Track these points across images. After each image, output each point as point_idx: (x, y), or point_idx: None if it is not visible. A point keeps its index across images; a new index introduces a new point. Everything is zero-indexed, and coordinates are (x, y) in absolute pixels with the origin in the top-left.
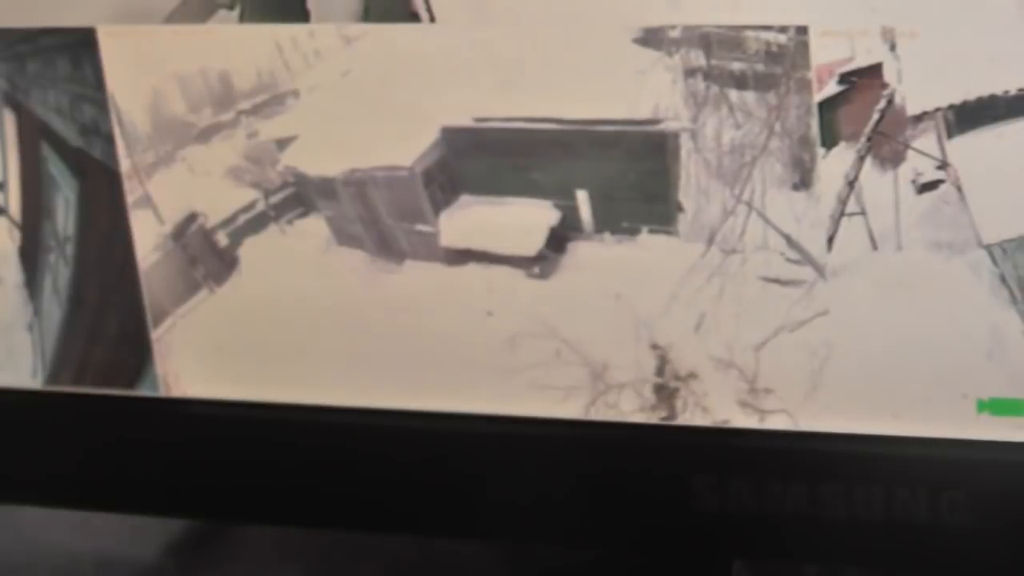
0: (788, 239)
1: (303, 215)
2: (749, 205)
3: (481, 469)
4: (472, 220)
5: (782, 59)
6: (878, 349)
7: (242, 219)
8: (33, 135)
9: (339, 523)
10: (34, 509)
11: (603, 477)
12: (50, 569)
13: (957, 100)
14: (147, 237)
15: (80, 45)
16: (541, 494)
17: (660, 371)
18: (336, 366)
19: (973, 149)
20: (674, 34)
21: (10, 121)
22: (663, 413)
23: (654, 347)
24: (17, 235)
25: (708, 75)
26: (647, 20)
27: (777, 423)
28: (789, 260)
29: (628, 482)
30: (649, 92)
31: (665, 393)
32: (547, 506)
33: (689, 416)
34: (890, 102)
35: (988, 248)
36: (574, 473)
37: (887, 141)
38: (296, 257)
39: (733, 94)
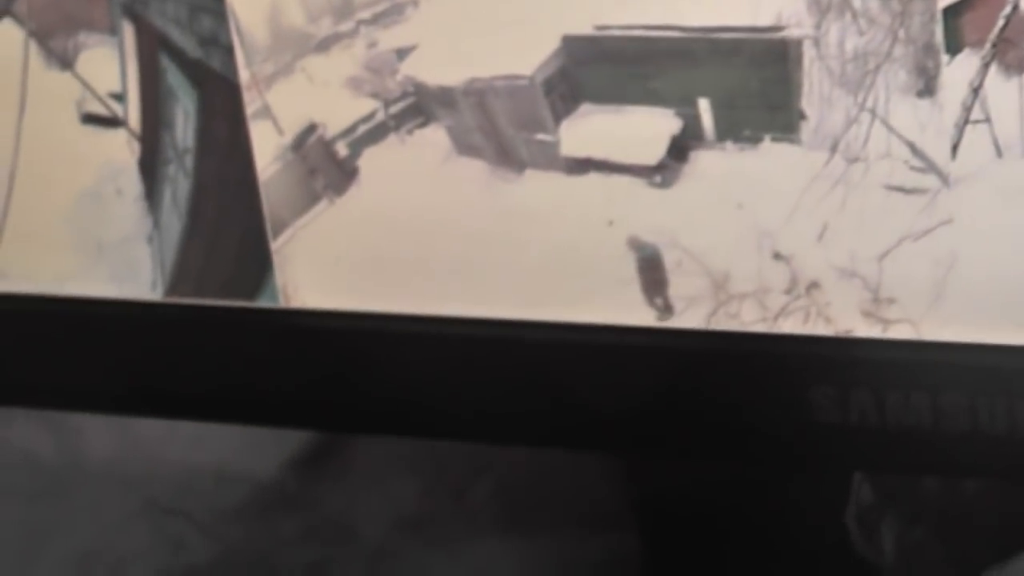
0: (912, 147)
1: (423, 125)
2: (872, 113)
3: (598, 380)
4: (593, 129)
5: None
6: (1003, 258)
7: (361, 129)
8: (152, 47)
9: (456, 435)
10: (154, 421)
11: (723, 389)
12: (170, 481)
13: None
14: (266, 148)
15: None
16: (659, 406)
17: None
18: (455, 276)
19: None
20: None
21: (129, 32)
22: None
23: (776, 257)
24: (136, 147)
25: None
26: None
27: (900, 333)
28: (913, 168)
29: (748, 394)
30: None
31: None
32: (665, 418)
33: (811, 326)
34: (1015, 8)
35: None
36: (694, 385)
37: (1012, 48)
38: (416, 167)
39: (856, 1)
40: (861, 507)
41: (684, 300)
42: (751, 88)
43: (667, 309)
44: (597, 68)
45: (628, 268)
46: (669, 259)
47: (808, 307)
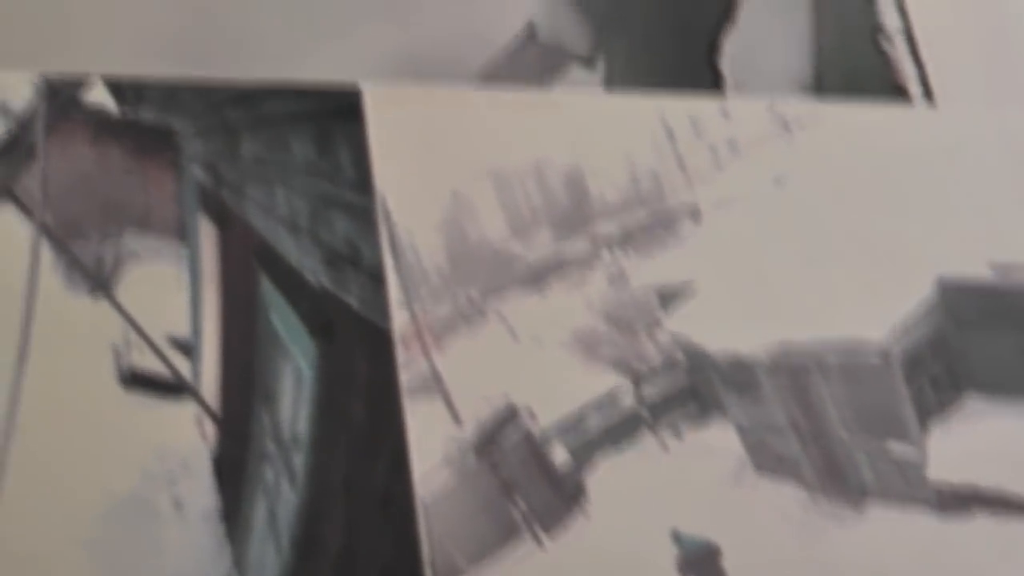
0: None
1: (699, 419)
2: None
3: None
4: (985, 439)
5: None
6: None
7: (594, 422)
8: (246, 261)
9: None
10: None
11: None
12: None
13: None
14: (432, 443)
15: (329, 115)
16: None
17: None
18: None
19: None
20: None
21: (209, 237)
22: None
23: None
24: (212, 431)
25: None
26: None
27: None
28: None
29: None
30: None
31: None
32: None
33: None
34: None
35: None
36: None
37: None
38: (685, 490)
39: None
40: None
41: None
42: None
43: None
44: (994, 335)
45: None
46: None
47: None
